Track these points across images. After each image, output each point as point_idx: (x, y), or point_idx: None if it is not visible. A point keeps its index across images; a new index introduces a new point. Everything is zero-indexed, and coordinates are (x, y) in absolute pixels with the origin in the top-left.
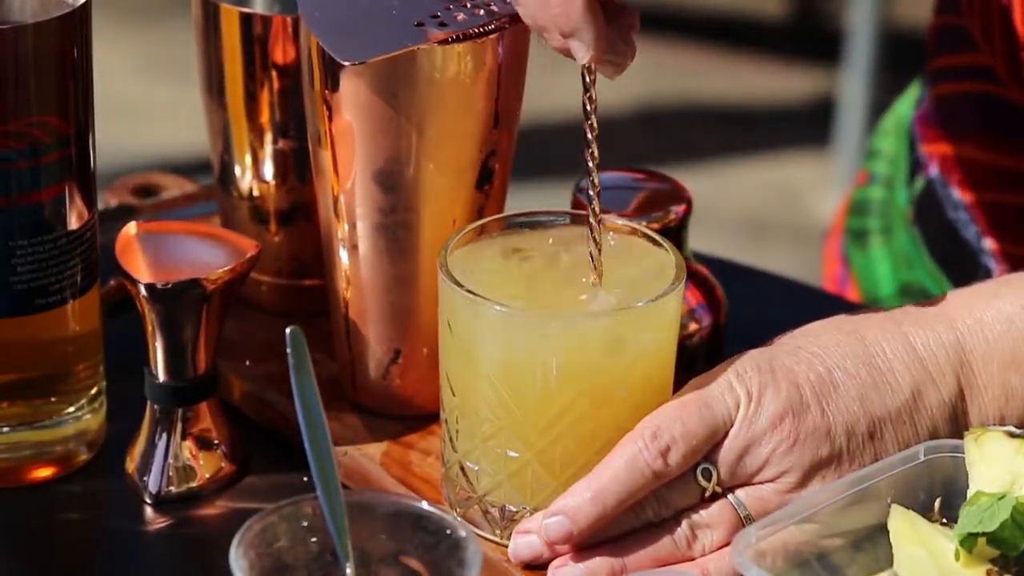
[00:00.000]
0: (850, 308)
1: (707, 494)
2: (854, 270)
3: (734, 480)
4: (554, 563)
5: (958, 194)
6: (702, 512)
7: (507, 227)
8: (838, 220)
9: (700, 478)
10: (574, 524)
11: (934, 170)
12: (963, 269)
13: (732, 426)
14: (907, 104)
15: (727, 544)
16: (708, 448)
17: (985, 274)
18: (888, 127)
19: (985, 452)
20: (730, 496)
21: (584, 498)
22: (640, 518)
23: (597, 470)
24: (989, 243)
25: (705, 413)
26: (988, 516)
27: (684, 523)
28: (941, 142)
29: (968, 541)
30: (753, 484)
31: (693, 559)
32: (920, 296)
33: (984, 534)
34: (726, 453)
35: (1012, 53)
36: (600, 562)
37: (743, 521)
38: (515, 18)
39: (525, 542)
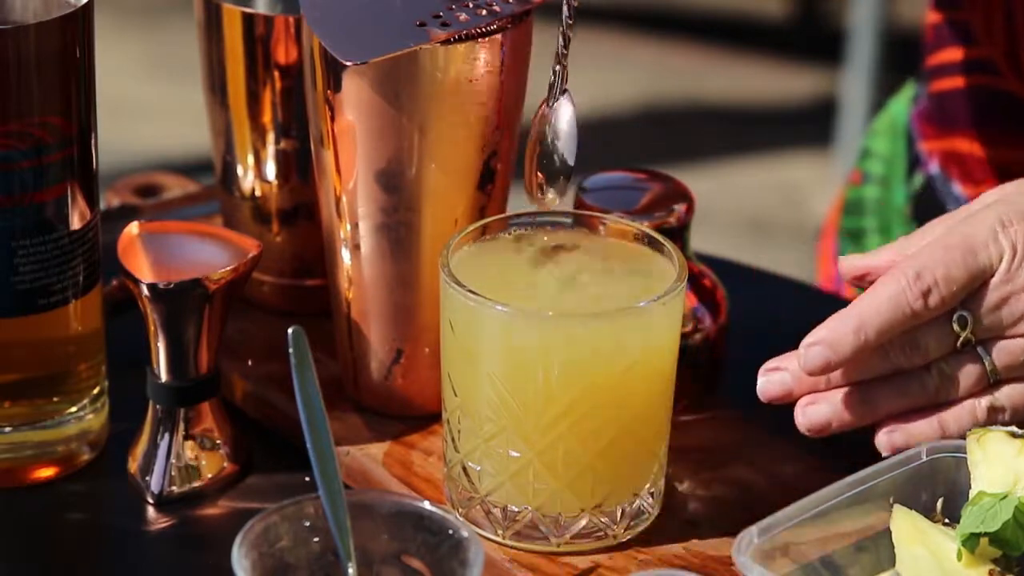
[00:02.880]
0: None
1: (959, 342)
2: None
3: (987, 331)
4: (802, 400)
5: (960, 189)
6: (950, 361)
7: (509, 227)
8: (831, 220)
9: (955, 324)
10: (834, 353)
11: (934, 166)
12: None
13: (993, 276)
14: (901, 104)
15: (969, 398)
16: (966, 295)
17: None
18: (881, 127)
19: (987, 452)
20: (979, 348)
21: (846, 327)
22: (891, 362)
23: (859, 303)
24: None
25: (969, 260)
26: (990, 516)
27: (932, 370)
28: (941, 138)
29: (971, 541)
30: (1005, 337)
31: (938, 406)
32: None
33: (986, 534)
34: (984, 302)
35: (1013, 45)
36: (848, 400)
37: (988, 375)
38: (517, 18)
39: (777, 379)
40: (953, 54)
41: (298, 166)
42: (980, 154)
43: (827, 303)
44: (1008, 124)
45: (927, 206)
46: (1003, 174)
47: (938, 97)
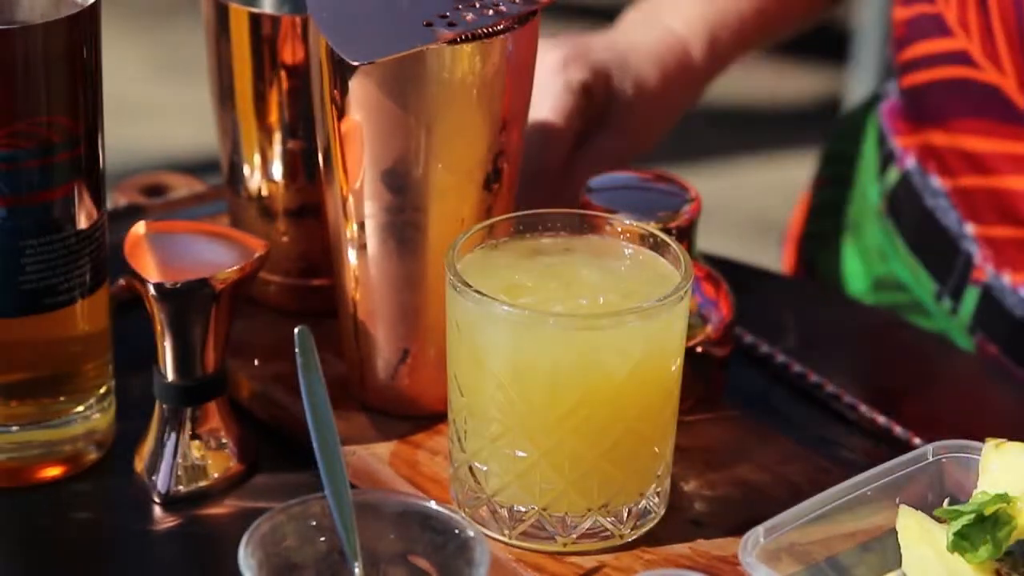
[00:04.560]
0: (859, 309)
1: None
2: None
3: None
4: None
5: (938, 181)
6: None
7: (515, 227)
8: (795, 227)
9: None
10: None
11: (911, 161)
12: (941, 257)
13: None
14: (863, 104)
15: None
16: None
17: (965, 259)
18: (839, 130)
19: (1003, 461)
20: None
21: None
22: None
23: None
24: (971, 227)
25: None
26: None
27: None
28: (917, 132)
29: (956, 542)
30: None
31: None
32: (895, 289)
33: (955, 533)
34: None
35: (989, 36)
36: None
37: None
38: (523, 18)
39: None
40: (927, 47)
41: (305, 166)
42: (958, 145)
43: (830, 303)
44: (984, 115)
45: (903, 201)
46: (980, 166)
47: (911, 92)
